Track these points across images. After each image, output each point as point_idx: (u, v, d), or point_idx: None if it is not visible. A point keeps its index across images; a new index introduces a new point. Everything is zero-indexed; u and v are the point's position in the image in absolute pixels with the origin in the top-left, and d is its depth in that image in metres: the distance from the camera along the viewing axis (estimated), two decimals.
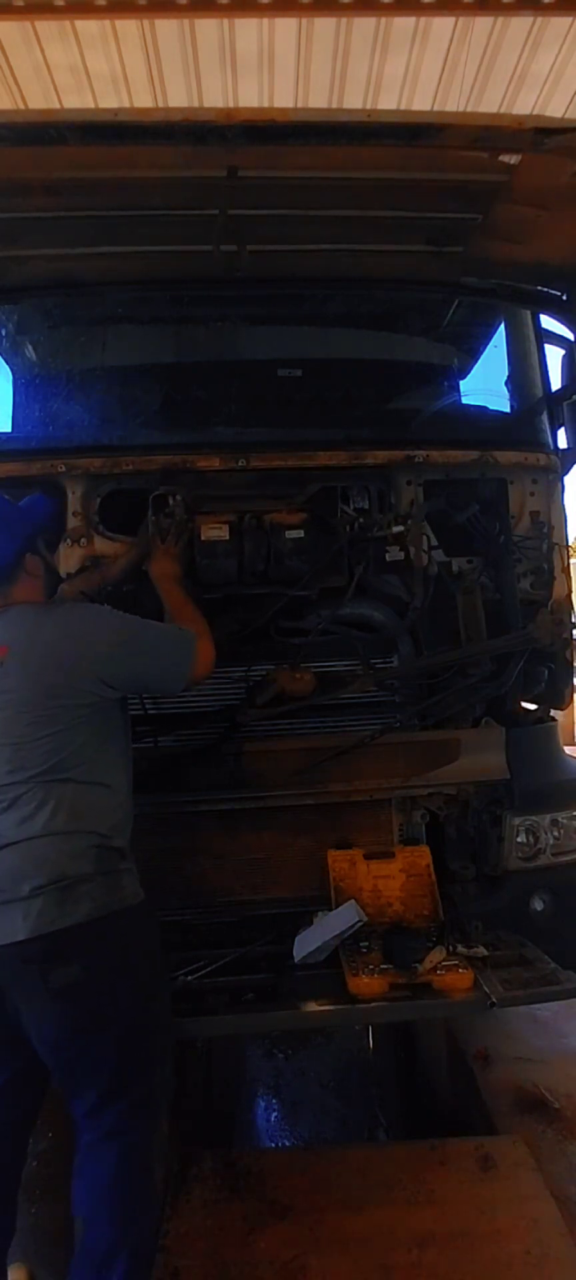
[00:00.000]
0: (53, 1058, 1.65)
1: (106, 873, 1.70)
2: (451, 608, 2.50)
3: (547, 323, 2.86)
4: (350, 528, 2.48)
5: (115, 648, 1.85)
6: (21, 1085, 1.71)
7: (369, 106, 2.49)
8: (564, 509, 2.66)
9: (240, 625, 2.43)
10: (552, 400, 2.81)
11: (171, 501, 2.38)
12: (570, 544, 2.72)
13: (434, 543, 2.55)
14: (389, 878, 2.29)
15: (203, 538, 2.37)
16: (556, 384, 2.84)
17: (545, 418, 2.80)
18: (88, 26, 2.18)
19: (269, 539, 2.39)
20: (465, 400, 3.07)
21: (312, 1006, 2.00)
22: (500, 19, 2.23)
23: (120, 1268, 1.53)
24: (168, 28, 2.20)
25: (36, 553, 1.98)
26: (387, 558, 2.47)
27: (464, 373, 3.12)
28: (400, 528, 2.48)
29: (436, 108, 2.52)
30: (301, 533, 2.39)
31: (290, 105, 2.47)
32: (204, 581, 2.37)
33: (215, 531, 2.37)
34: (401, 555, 2.47)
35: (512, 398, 2.87)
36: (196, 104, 2.45)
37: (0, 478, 2.41)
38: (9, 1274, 1.81)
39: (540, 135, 1.80)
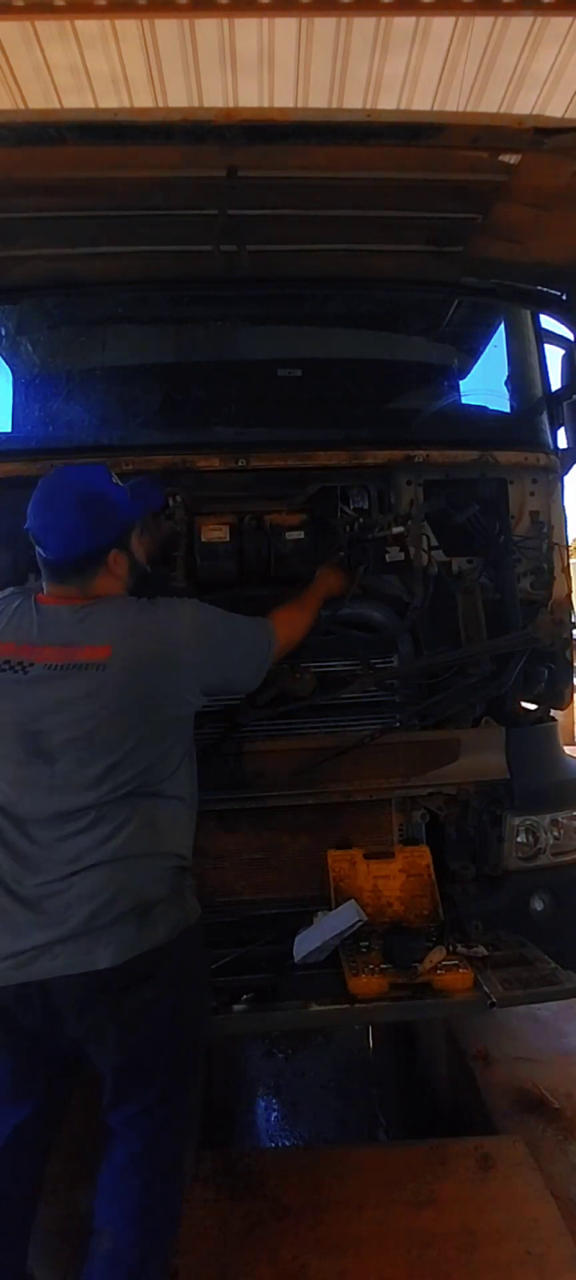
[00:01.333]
0: (110, 1076, 1.59)
1: (178, 892, 1.66)
2: (451, 608, 2.50)
3: (547, 322, 2.86)
4: (350, 528, 2.48)
5: (207, 650, 1.77)
6: (45, 1118, 1.63)
7: (369, 106, 2.49)
8: (564, 509, 2.66)
9: None
10: (552, 400, 2.81)
11: (171, 503, 2.38)
12: (570, 544, 2.72)
13: (434, 543, 2.55)
14: (389, 878, 2.29)
15: (203, 539, 2.37)
16: (556, 384, 2.84)
17: (545, 418, 2.79)
18: (88, 26, 2.19)
19: (269, 540, 2.39)
20: (465, 400, 3.07)
21: (313, 1006, 2.00)
22: (500, 19, 2.24)
23: (148, 1272, 1.52)
24: (168, 28, 2.21)
25: (125, 549, 1.84)
26: (388, 558, 2.46)
27: (464, 373, 3.12)
28: (400, 528, 2.48)
29: (436, 108, 2.52)
30: (301, 533, 2.39)
31: (290, 105, 2.48)
32: (204, 582, 2.37)
33: (215, 533, 2.37)
34: (401, 556, 2.46)
35: (512, 398, 2.87)
36: (196, 104, 2.46)
37: (0, 478, 2.42)
38: None
39: (540, 135, 1.80)
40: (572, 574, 2.72)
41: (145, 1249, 1.53)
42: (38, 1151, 1.63)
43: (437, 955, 2.04)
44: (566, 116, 2.57)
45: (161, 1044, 1.59)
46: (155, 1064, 1.59)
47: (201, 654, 1.76)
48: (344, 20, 2.20)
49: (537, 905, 2.34)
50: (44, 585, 1.78)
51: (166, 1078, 1.60)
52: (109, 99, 2.43)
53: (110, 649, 1.62)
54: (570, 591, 2.64)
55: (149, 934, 1.55)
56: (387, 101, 2.50)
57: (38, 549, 1.74)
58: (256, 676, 1.96)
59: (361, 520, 2.50)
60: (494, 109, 2.52)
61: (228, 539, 2.37)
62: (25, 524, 1.75)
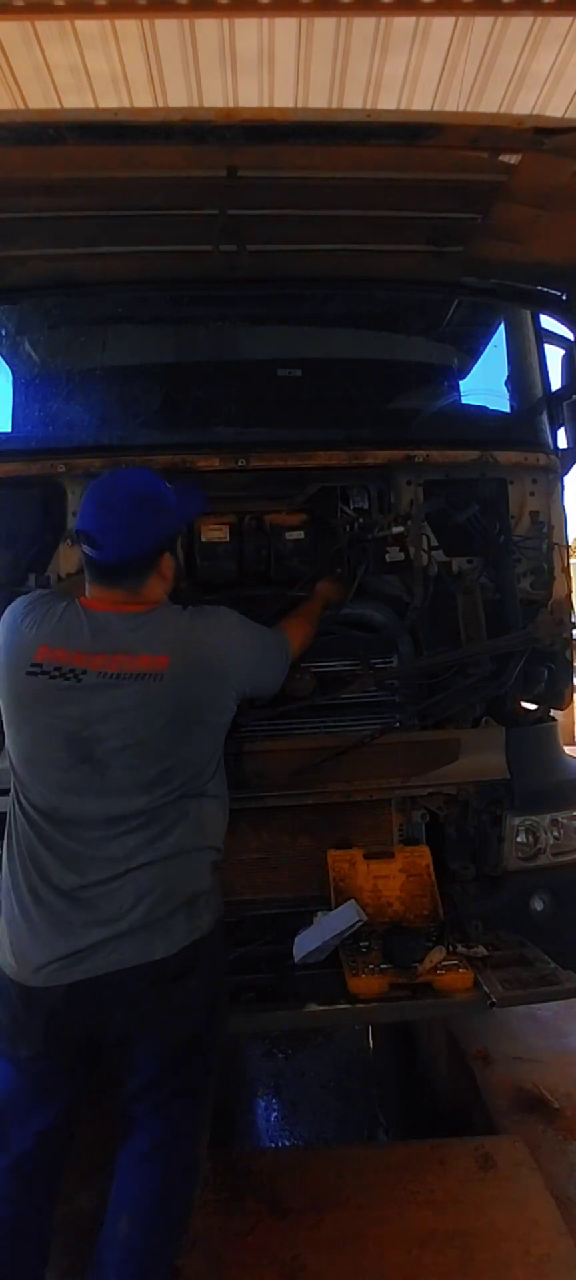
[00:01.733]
0: (146, 1071, 1.63)
1: (215, 884, 1.73)
2: (451, 608, 2.50)
3: (547, 322, 2.86)
4: (350, 528, 2.48)
5: (245, 658, 1.82)
6: (68, 1117, 1.65)
7: (369, 106, 2.49)
8: (563, 509, 2.66)
9: None
10: (552, 400, 2.81)
11: None
12: (570, 544, 2.72)
13: (434, 543, 2.55)
14: (389, 878, 2.29)
15: (203, 539, 2.37)
16: (556, 384, 2.84)
17: (545, 418, 2.79)
18: (88, 26, 2.19)
19: (269, 540, 2.39)
20: (465, 400, 3.07)
21: (312, 1006, 2.00)
22: (500, 19, 2.24)
23: (163, 1265, 1.56)
24: (168, 28, 2.21)
25: (174, 552, 1.86)
26: (387, 558, 2.46)
27: (464, 373, 3.12)
28: (400, 528, 2.48)
29: (436, 108, 2.52)
30: (301, 534, 2.39)
31: (290, 105, 2.48)
32: (204, 582, 2.37)
33: (215, 533, 2.37)
34: (401, 556, 2.47)
35: (512, 398, 2.87)
36: (196, 104, 2.46)
37: (0, 478, 2.42)
38: None
39: (540, 135, 1.80)
40: (572, 574, 2.72)
41: (161, 1238, 1.56)
42: (59, 1156, 1.65)
43: (437, 955, 2.04)
44: (566, 116, 2.57)
45: (199, 1034, 1.65)
46: (191, 1053, 1.64)
47: (242, 664, 1.81)
48: (344, 20, 2.21)
49: (537, 905, 2.34)
50: (89, 589, 1.75)
51: (196, 1067, 1.65)
52: (109, 99, 2.43)
53: (168, 659, 1.63)
54: (570, 591, 2.64)
55: (196, 925, 1.62)
56: (387, 101, 2.51)
57: (89, 552, 1.72)
58: (277, 685, 2.05)
59: (361, 520, 2.50)
60: (494, 109, 2.53)
61: (227, 539, 2.37)
62: (77, 525, 1.76)
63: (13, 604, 1.75)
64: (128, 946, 1.54)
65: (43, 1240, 1.59)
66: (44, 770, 1.61)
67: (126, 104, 2.43)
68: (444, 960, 2.03)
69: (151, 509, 1.76)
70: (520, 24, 2.27)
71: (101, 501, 1.74)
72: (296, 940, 2.13)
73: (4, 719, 1.69)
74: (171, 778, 1.62)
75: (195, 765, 1.67)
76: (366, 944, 2.13)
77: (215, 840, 1.75)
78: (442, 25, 2.25)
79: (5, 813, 2.19)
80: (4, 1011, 1.58)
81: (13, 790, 1.67)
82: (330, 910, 2.18)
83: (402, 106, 2.51)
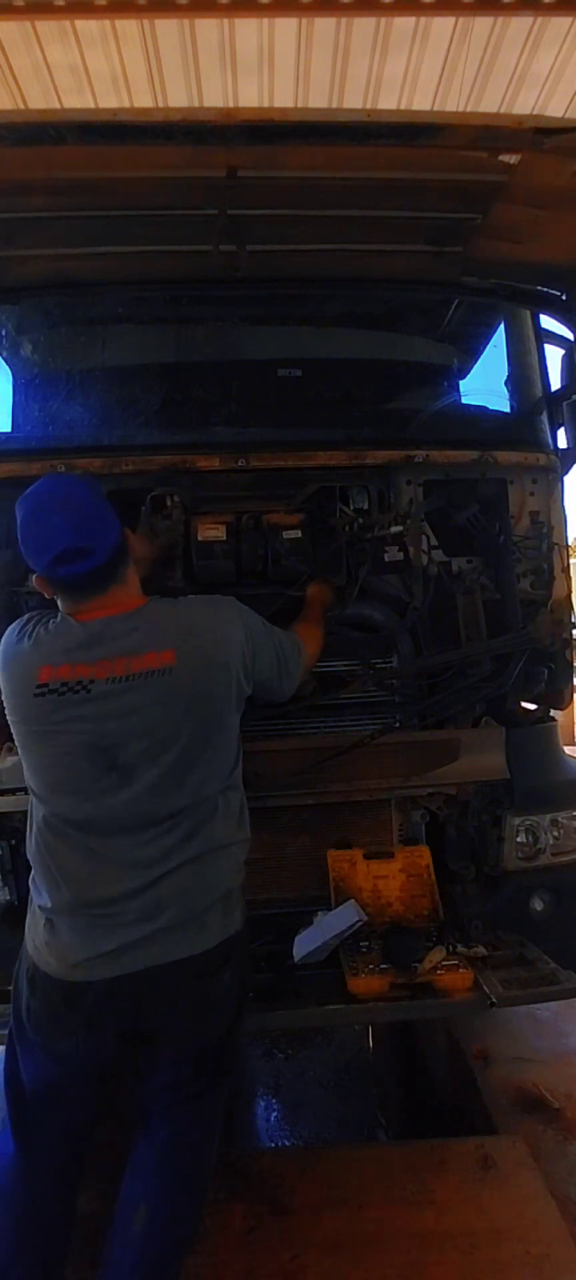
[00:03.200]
0: (174, 1067, 1.62)
1: (244, 879, 1.74)
2: (451, 608, 2.50)
3: (547, 323, 2.86)
4: (349, 528, 2.48)
5: (253, 644, 1.78)
6: (94, 1115, 1.67)
7: (369, 106, 2.49)
8: (564, 509, 2.66)
9: None
10: (552, 400, 2.81)
11: (169, 502, 2.38)
12: (570, 544, 2.72)
13: (434, 543, 2.55)
14: (388, 878, 2.29)
15: (199, 538, 2.36)
16: (556, 384, 2.84)
17: (545, 418, 2.79)
18: (88, 26, 2.19)
19: (267, 540, 2.39)
20: (465, 400, 3.06)
21: (312, 1006, 2.00)
22: (500, 19, 2.24)
23: (180, 1250, 1.57)
24: (168, 28, 2.21)
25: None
26: (386, 558, 2.46)
27: (464, 373, 3.11)
28: (399, 528, 2.48)
29: (436, 108, 2.53)
30: (299, 533, 2.39)
31: (290, 105, 2.48)
32: (201, 582, 2.36)
33: (212, 532, 2.36)
34: (400, 556, 2.46)
35: (512, 398, 2.87)
36: (196, 104, 2.46)
37: (0, 478, 2.41)
38: None
39: (540, 135, 1.80)
40: (572, 574, 2.72)
41: (176, 1234, 1.56)
42: (83, 1152, 1.67)
43: (437, 955, 2.04)
44: (566, 116, 2.57)
45: (230, 1028, 1.66)
46: (212, 1053, 1.64)
47: (250, 649, 1.77)
48: (344, 20, 2.21)
49: (537, 905, 2.34)
50: (71, 606, 1.66)
51: (215, 1068, 1.65)
52: (109, 99, 2.44)
53: (174, 652, 1.60)
54: (570, 592, 2.64)
55: (231, 920, 1.65)
56: (388, 101, 2.51)
57: (71, 570, 1.60)
58: (290, 685, 1.96)
59: (360, 520, 2.50)
60: (494, 109, 2.53)
61: (224, 538, 2.36)
62: (47, 557, 1.59)
63: (7, 631, 1.70)
64: (166, 943, 1.56)
65: (65, 1231, 1.62)
66: (72, 787, 1.58)
67: (126, 104, 2.43)
68: (444, 960, 2.03)
69: (101, 492, 1.74)
70: (520, 24, 2.27)
71: (65, 515, 1.60)
72: (296, 940, 2.13)
73: (19, 746, 1.66)
74: (200, 770, 1.61)
75: (222, 755, 1.67)
76: (366, 944, 2.13)
77: (245, 833, 1.75)
78: (442, 25, 2.25)
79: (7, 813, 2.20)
80: (42, 1008, 1.59)
81: (32, 808, 1.67)
82: (330, 910, 2.18)
83: (402, 106, 2.51)
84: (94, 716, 1.56)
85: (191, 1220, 1.62)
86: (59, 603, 1.69)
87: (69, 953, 1.56)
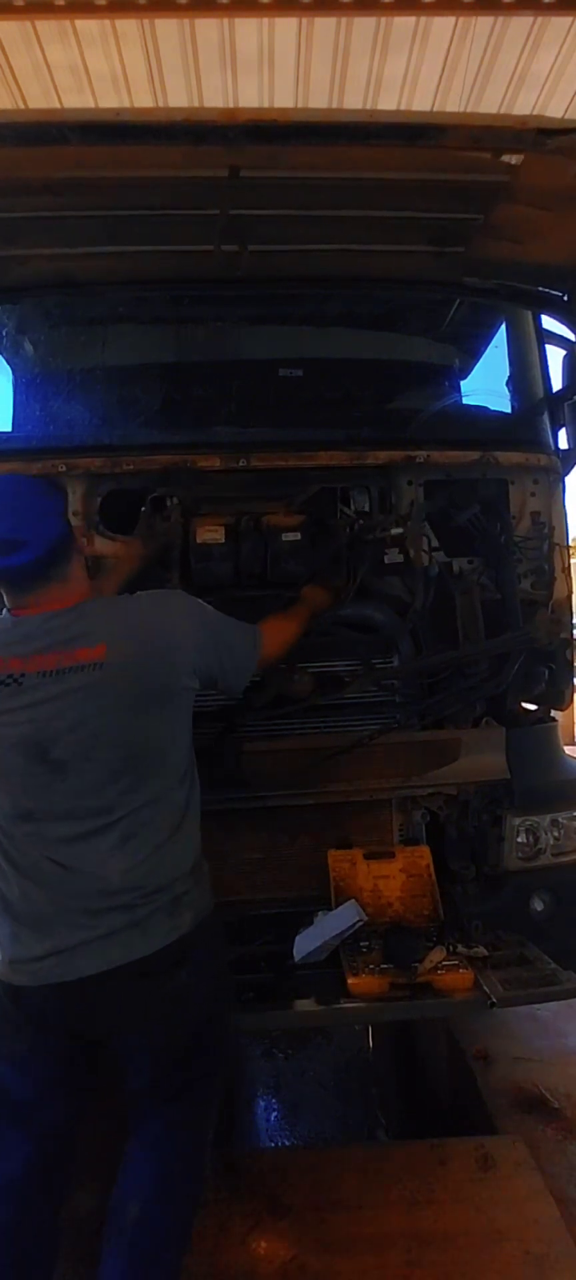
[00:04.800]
0: (148, 1063, 1.63)
1: (199, 879, 1.71)
2: (451, 608, 2.50)
3: (548, 323, 2.86)
4: (349, 529, 2.48)
5: (201, 636, 1.76)
6: (68, 1122, 1.66)
7: (369, 106, 2.49)
8: (564, 509, 2.66)
9: None
10: (553, 401, 2.81)
11: (169, 504, 2.37)
12: (570, 544, 2.72)
13: (434, 544, 2.55)
14: (389, 878, 2.29)
15: (198, 540, 2.35)
16: (557, 384, 2.84)
17: (546, 418, 2.79)
18: (88, 26, 2.19)
19: (266, 541, 2.38)
20: (466, 400, 3.07)
21: (312, 1006, 2.00)
22: (500, 19, 2.24)
23: (174, 1250, 1.56)
24: (168, 28, 2.21)
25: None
26: (387, 559, 2.46)
27: (464, 373, 3.12)
28: (399, 529, 2.48)
29: (437, 108, 2.52)
30: (298, 535, 2.38)
31: (290, 105, 2.48)
32: (199, 584, 2.34)
33: (210, 534, 2.35)
34: (400, 558, 2.46)
35: (513, 398, 2.87)
36: (197, 104, 2.46)
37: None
38: None
39: (541, 135, 1.80)
40: (573, 574, 2.72)
41: (168, 1229, 1.56)
42: (60, 1161, 1.64)
43: (437, 955, 2.04)
44: (567, 116, 2.57)
45: (200, 1027, 1.65)
46: (193, 1050, 1.64)
47: (195, 642, 1.75)
48: (344, 20, 2.21)
49: (537, 905, 2.34)
50: (12, 602, 1.69)
51: (199, 1065, 1.65)
52: (109, 99, 2.43)
53: (105, 646, 1.60)
54: (570, 592, 2.64)
55: (178, 921, 1.61)
56: (388, 101, 2.50)
57: (6, 563, 1.62)
58: (241, 678, 1.94)
59: (360, 521, 2.50)
60: (494, 109, 2.53)
61: (223, 540, 2.36)
62: None
63: None
64: (108, 947, 1.54)
65: (45, 1248, 1.58)
66: (9, 780, 1.59)
67: (127, 104, 2.43)
68: (444, 960, 2.03)
69: (45, 490, 1.76)
70: (520, 24, 2.27)
71: (2, 508, 1.66)
72: (296, 940, 2.13)
73: None
74: (132, 768, 1.59)
75: (157, 752, 1.64)
76: (366, 944, 2.12)
77: (192, 832, 1.72)
78: (442, 25, 2.25)
79: None
80: None
81: None
82: (330, 910, 2.18)
83: (403, 107, 2.51)
84: (25, 711, 1.56)
85: (182, 1220, 1.61)
86: (4, 598, 1.72)
87: (14, 955, 1.57)
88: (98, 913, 1.55)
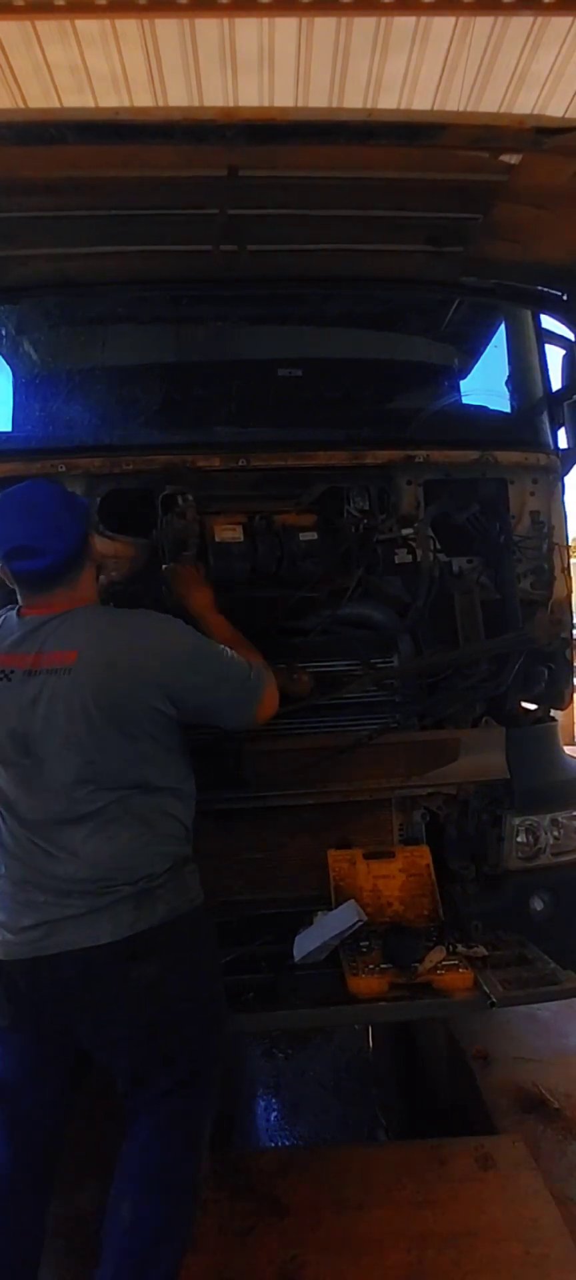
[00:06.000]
0: (124, 1058, 1.67)
1: (176, 875, 1.73)
2: (451, 608, 2.50)
3: (548, 323, 2.86)
4: (356, 528, 2.48)
5: (185, 667, 1.76)
6: (55, 1110, 1.70)
7: (369, 106, 2.49)
8: (564, 509, 2.66)
9: (244, 626, 2.42)
10: (553, 400, 2.80)
11: (181, 501, 2.37)
12: (570, 544, 2.72)
13: (437, 545, 2.55)
14: (389, 877, 2.29)
15: (216, 539, 2.36)
16: (556, 384, 2.84)
17: (545, 418, 2.79)
18: (88, 26, 2.18)
19: (282, 541, 2.38)
20: (465, 400, 3.07)
21: (312, 1006, 2.00)
22: (500, 19, 2.24)
23: (167, 1250, 1.57)
24: (168, 28, 2.20)
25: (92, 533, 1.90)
26: (396, 559, 2.47)
27: (464, 372, 3.12)
28: (409, 530, 2.48)
29: (436, 108, 2.52)
30: (315, 535, 2.39)
31: (290, 105, 2.47)
32: (216, 582, 2.34)
33: (229, 533, 2.36)
34: (409, 559, 2.47)
35: (513, 398, 2.87)
36: (196, 103, 2.45)
37: (0, 477, 2.41)
38: None
39: (540, 135, 1.80)
40: (573, 574, 2.72)
41: (161, 1229, 1.56)
42: (51, 1141, 1.68)
43: (437, 955, 2.04)
44: (566, 116, 2.56)
45: (177, 1022, 1.66)
46: (172, 1043, 1.66)
47: (169, 662, 1.75)
48: (344, 20, 2.20)
49: (537, 905, 2.34)
50: (24, 601, 1.78)
51: (186, 1059, 1.66)
52: (109, 99, 2.43)
53: (76, 654, 1.66)
54: (570, 592, 2.64)
55: (147, 914, 1.65)
56: (388, 101, 2.50)
57: (23, 565, 1.73)
58: (235, 720, 1.90)
59: (367, 521, 2.50)
60: (494, 109, 2.52)
61: (241, 539, 2.36)
62: (3, 547, 1.73)
63: None
64: (73, 929, 1.61)
65: (27, 1244, 1.61)
66: (5, 766, 1.70)
67: (126, 104, 2.43)
68: (444, 960, 2.03)
69: (66, 503, 1.82)
70: (520, 24, 2.26)
71: (23, 515, 1.75)
72: (296, 940, 2.13)
73: None
74: (100, 772, 1.65)
75: (124, 758, 1.67)
76: (366, 944, 2.13)
77: (168, 831, 1.75)
78: (442, 25, 2.25)
79: None
80: None
81: None
82: (330, 910, 2.18)
83: (403, 106, 2.51)
84: (14, 705, 1.66)
85: (177, 1220, 1.62)
86: (18, 595, 1.80)
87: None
88: (68, 894, 1.63)
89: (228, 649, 1.87)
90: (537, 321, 2.86)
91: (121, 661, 1.69)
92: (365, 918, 2.15)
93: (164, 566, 2.29)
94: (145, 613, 1.86)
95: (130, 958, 1.61)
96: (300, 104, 2.50)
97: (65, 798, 1.65)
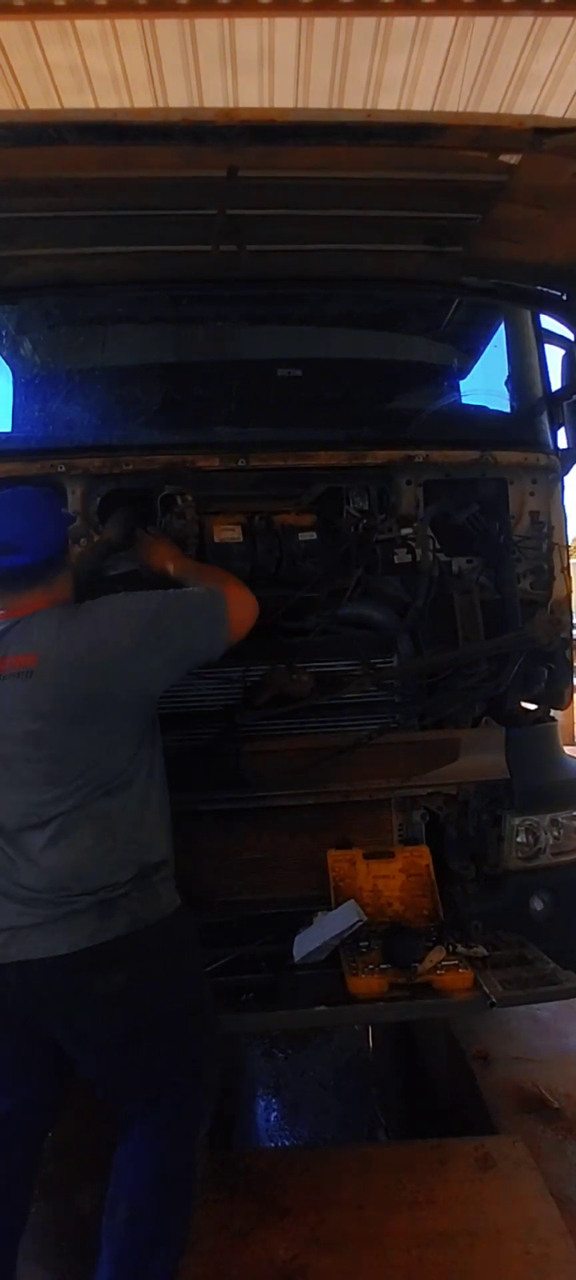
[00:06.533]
0: (102, 1066, 1.68)
1: (143, 886, 1.69)
2: (451, 608, 2.50)
3: (547, 322, 2.86)
4: (355, 529, 2.48)
5: (141, 641, 1.72)
6: (36, 1110, 1.71)
7: (369, 106, 2.49)
8: (563, 509, 2.66)
9: None
10: (552, 400, 2.81)
11: (180, 501, 2.37)
12: (570, 544, 2.72)
13: (437, 545, 2.55)
14: (389, 878, 2.29)
15: (216, 539, 2.36)
16: (556, 384, 2.84)
17: (545, 418, 2.79)
18: (88, 26, 2.18)
19: (281, 541, 2.39)
20: (465, 400, 3.07)
21: (312, 1006, 2.00)
22: (500, 19, 2.23)
23: (164, 1250, 1.57)
24: (168, 28, 2.20)
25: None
26: (396, 560, 2.47)
27: (464, 372, 3.12)
28: (408, 530, 2.48)
29: (436, 108, 2.51)
30: (314, 535, 2.39)
31: (290, 105, 2.47)
32: None
33: (228, 533, 2.37)
34: (409, 558, 2.47)
35: (512, 398, 2.87)
36: (196, 104, 2.45)
37: (0, 477, 2.41)
38: None
39: (540, 135, 1.81)
40: (573, 574, 2.72)
41: (155, 1231, 1.56)
42: (31, 1143, 1.69)
43: (437, 955, 2.04)
44: (566, 117, 2.56)
45: (152, 1033, 1.64)
46: (149, 1053, 1.64)
47: (130, 641, 1.72)
48: (344, 20, 2.20)
49: (537, 905, 2.34)
50: (2, 602, 1.77)
51: (166, 1068, 1.64)
52: (109, 99, 2.42)
53: (36, 656, 1.66)
54: (570, 592, 2.64)
55: (110, 924, 1.62)
56: (388, 101, 2.49)
57: (3, 562, 1.73)
58: (214, 645, 1.85)
59: (366, 521, 2.50)
60: (494, 109, 2.51)
61: (240, 539, 2.36)
62: None
63: None
64: (36, 938, 1.60)
65: (14, 1225, 1.63)
66: None
67: (126, 104, 2.42)
68: (444, 960, 2.03)
69: (50, 505, 1.86)
70: (520, 24, 2.26)
71: (6, 513, 1.80)
72: (296, 940, 2.13)
73: None
74: (64, 775, 1.64)
75: (92, 762, 1.66)
76: (366, 944, 2.13)
77: (137, 838, 1.71)
78: (442, 25, 2.24)
79: None
80: None
81: None
82: (330, 910, 2.18)
83: (403, 106, 2.51)
84: None
85: (172, 1222, 1.61)
86: None
87: None
88: (30, 902, 1.62)
89: (177, 590, 1.90)
90: (537, 321, 2.87)
91: (82, 657, 1.68)
92: (365, 918, 2.15)
93: (136, 532, 2.28)
94: (95, 602, 1.82)
95: (92, 969, 1.59)
96: (300, 104, 2.50)
97: (31, 802, 1.64)
